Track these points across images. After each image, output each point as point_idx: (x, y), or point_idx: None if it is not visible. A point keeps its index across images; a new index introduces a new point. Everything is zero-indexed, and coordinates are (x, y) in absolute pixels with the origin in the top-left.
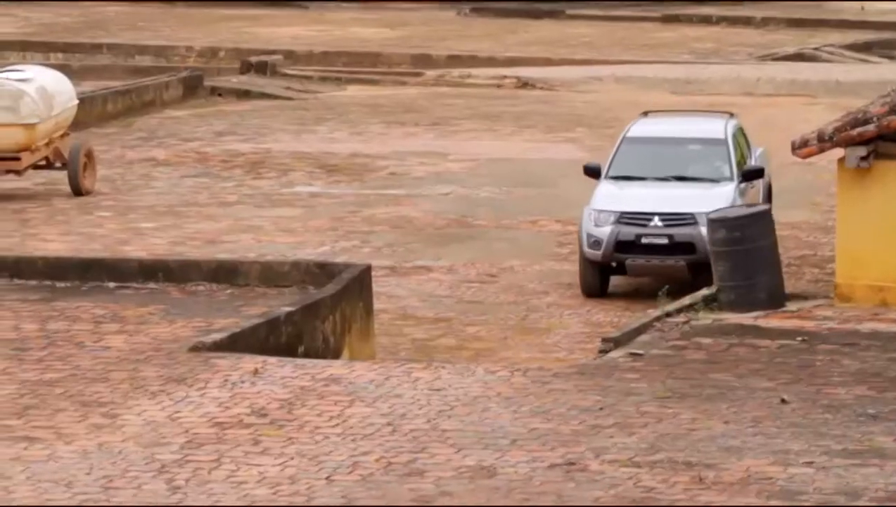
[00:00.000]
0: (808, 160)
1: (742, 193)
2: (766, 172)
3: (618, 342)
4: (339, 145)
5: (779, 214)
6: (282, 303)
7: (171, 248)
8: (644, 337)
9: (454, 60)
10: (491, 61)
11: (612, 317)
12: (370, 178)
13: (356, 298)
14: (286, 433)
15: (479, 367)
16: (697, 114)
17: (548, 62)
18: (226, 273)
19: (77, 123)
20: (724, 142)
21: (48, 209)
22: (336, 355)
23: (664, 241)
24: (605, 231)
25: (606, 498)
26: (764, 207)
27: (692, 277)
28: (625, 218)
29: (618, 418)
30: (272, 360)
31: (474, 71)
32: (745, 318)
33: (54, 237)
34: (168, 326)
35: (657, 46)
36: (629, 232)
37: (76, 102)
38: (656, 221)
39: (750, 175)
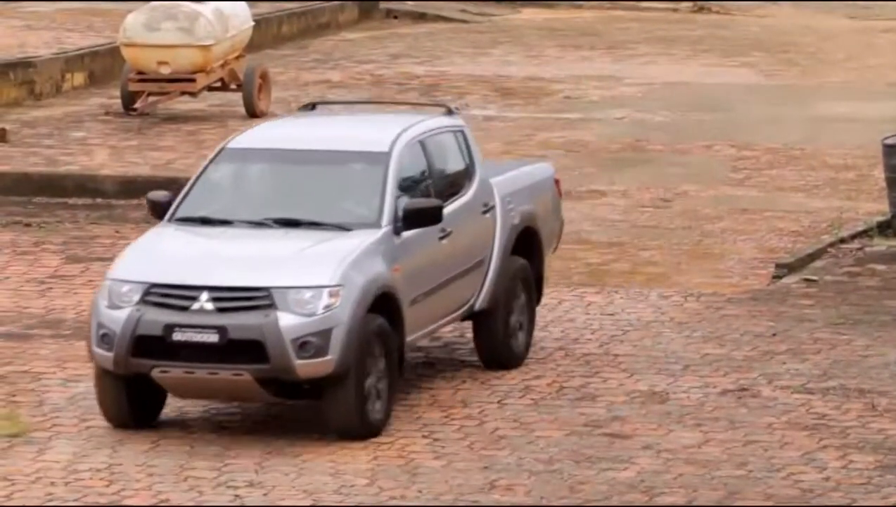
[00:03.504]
0: None
1: (394, 249)
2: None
3: (791, 268)
4: (513, 69)
5: None
6: None
7: None
8: (818, 263)
9: None
10: None
11: (787, 243)
12: (545, 101)
13: None
14: (458, 356)
15: (652, 292)
16: (389, 112)
17: None
18: None
19: (252, 45)
20: (383, 158)
21: (223, 131)
22: None
23: (212, 337)
24: (120, 317)
25: (779, 424)
26: None
27: (274, 394)
28: (154, 294)
29: (791, 345)
30: None
31: None
32: None
33: None
34: None
35: None
36: (156, 320)
37: (252, 23)
38: (203, 300)
39: (415, 218)
